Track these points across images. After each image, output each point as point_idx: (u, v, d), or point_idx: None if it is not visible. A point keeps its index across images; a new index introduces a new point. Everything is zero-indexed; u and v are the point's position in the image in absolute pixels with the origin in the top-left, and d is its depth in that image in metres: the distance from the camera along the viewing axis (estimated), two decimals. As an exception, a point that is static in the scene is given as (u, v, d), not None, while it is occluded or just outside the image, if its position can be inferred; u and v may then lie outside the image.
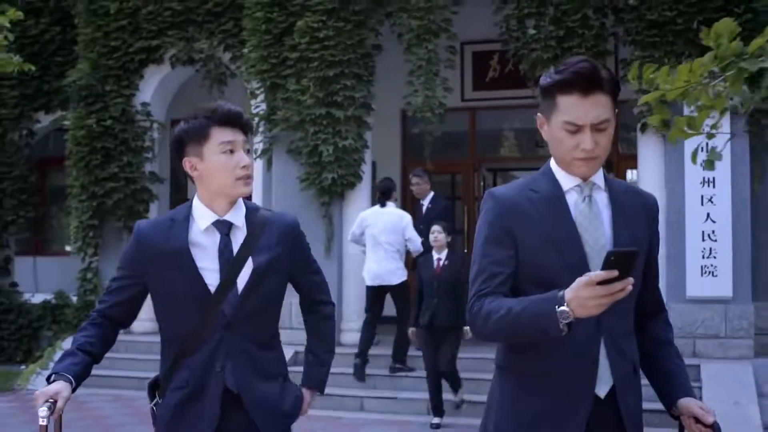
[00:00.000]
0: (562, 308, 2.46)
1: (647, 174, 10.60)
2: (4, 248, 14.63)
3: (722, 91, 5.43)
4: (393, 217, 10.22)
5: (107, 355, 3.41)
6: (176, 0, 12.67)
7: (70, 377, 3.13)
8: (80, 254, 13.17)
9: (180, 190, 14.71)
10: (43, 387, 3.08)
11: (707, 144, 5.62)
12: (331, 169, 11.27)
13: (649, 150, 10.61)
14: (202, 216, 3.25)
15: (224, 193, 3.22)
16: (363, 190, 11.55)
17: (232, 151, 3.19)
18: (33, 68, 9.36)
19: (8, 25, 9.18)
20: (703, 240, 10.17)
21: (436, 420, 9.11)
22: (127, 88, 13.04)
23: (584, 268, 2.65)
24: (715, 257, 10.13)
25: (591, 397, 2.76)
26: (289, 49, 11.48)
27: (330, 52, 11.28)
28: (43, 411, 3.00)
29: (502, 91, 13.86)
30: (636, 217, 2.86)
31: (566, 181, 2.82)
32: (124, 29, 12.94)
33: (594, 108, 2.72)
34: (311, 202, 11.39)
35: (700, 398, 9.09)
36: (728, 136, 8.14)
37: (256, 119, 11.71)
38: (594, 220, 2.79)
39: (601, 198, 2.84)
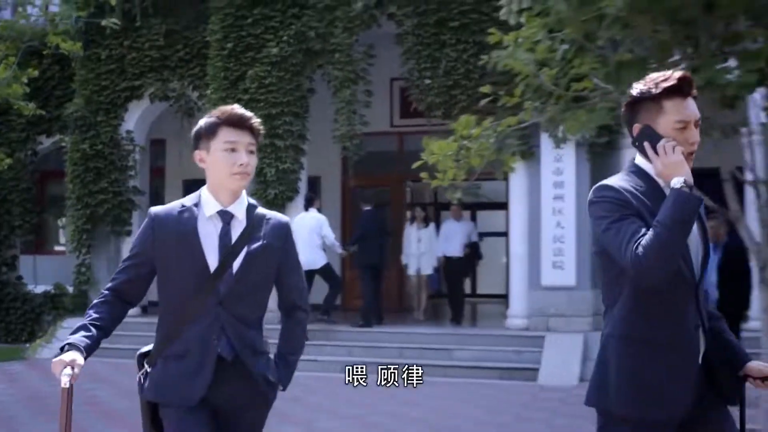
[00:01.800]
0: (676, 184, 3.03)
1: (516, 195, 13.79)
2: (12, 248, 17.66)
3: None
4: (312, 220, 13.59)
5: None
6: (154, 49, 15.74)
7: (83, 348, 3.39)
8: (76, 253, 16.23)
9: (159, 200, 17.81)
10: (56, 356, 3.34)
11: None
12: (274, 186, 14.43)
13: (518, 174, 13.75)
14: (208, 204, 3.58)
15: (222, 185, 3.56)
16: (300, 202, 14.69)
17: (234, 150, 3.52)
18: (43, 112, 12.42)
19: (26, 80, 12.27)
20: (554, 242, 13.32)
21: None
22: (114, 119, 16.12)
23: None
24: (563, 255, 13.30)
25: (698, 363, 3.23)
26: (242, 92, 14.59)
27: (273, 95, 14.41)
28: (66, 376, 3.25)
29: (424, 119, 16.95)
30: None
31: (652, 171, 3.26)
32: (112, 71, 16.02)
33: (693, 107, 3.22)
34: (259, 212, 14.52)
35: (541, 360, 12.29)
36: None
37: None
38: (658, 190, 3.23)
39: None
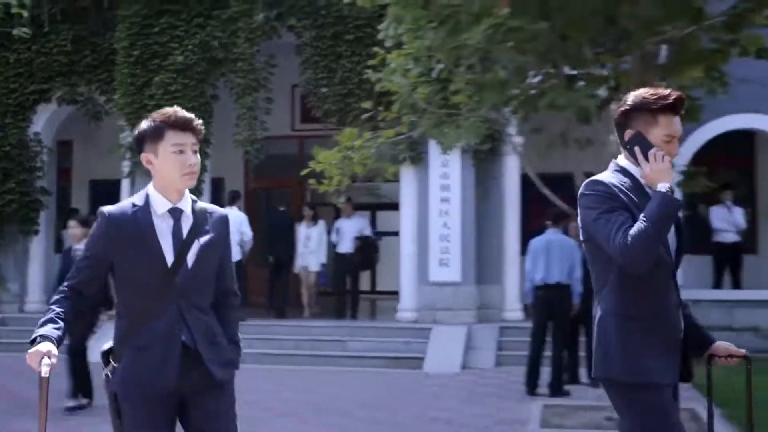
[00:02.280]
0: (662, 188, 3.49)
1: (407, 197, 14.81)
2: None
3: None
4: (235, 217, 14.37)
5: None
6: (63, 54, 16.29)
7: (54, 339, 3.51)
8: (-16, 250, 16.70)
9: (66, 201, 18.37)
10: (29, 349, 3.45)
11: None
12: (179, 188, 15.14)
13: (409, 179, 14.78)
14: (158, 203, 3.71)
15: (172, 185, 3.71)
16: (205, 202, 15.41)
17: (182, 152, 3.67)
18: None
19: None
20: (441, 241, 14.38)
21: None
22: (22, 121, 16.62)
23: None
24: (449, 253, 14.36)
25: (681, 337, 3.67)
26: (148, 98, 15.28)
27: (178, 101, 15.10)
28: (45, 366, 3.38)
29: (323, 124, 17.85)
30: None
31: (641, 177, 3.66)
32: (20, 75, 16.51)
33: (679, 124, 3.63)
34: (164, 212, 15.23)
35: (426, 350, 13.32)
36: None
37: (124, 148, 15.49)
38: (641, 187, 3.67)
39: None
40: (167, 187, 3.73)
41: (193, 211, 3.78)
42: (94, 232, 3.76)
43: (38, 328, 3.55)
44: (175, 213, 3.74)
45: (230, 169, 17.82)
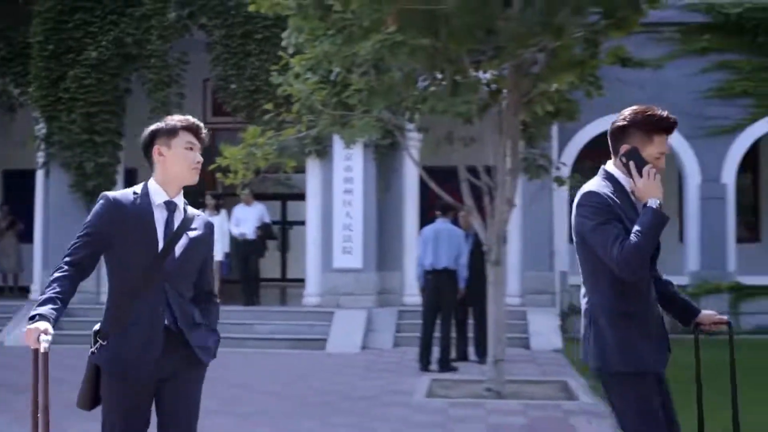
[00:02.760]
0: (653, 204, 3.78)
1: (312, 189, 15.68)
2: None
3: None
4: None
5: None
6: (-24, 46, 16.75)
7: (52, 319, 3.70)
8: None
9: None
10: (28, 325, 3.65)
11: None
12: (93, 179, 15.76)
13: (315, 171, 15.63)
14: (157, 194, 4.05)
15: (180, 177, 4.07)
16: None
17: (191, 149, 4.06)
18: None
19: None
20: (344, 230, 15.29)
21: None
22: (-68, 113, 17.03)
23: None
24: (351, 242, 15.28)
25: (663, 327, 4.00)
26: (63, 91, 15.82)
27: (93, 95, 15.73)
28: (45, 342, 3.60)
29: (233, 117, 18.55)
30: None
31: (625, 181, 3.93)
32: (-68, 66, 16.92)
33: (668, 144, 4.01)
34: (78, 202, 15.82)
35: (329, 332, 14.20)
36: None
37: (38, 140, 16.01)
38: (629, 198, 3.95)
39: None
40: (170, 181, 4.08)
41: (185, 209, 4.13)
42: (97, 212, 4.02)
43: (38, 306, 3.76)
44: (170, 206, 4.06)
45: (143, 160, 18.37)
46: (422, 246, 11.58)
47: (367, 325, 14.50)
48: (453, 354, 12.03)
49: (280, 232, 24.48)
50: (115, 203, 4.01)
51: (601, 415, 8.62)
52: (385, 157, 15.49)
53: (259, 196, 18.96)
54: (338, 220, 15.36)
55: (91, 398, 4.04)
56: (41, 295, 3.83)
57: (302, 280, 16.46)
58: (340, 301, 15.25)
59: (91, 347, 3.97)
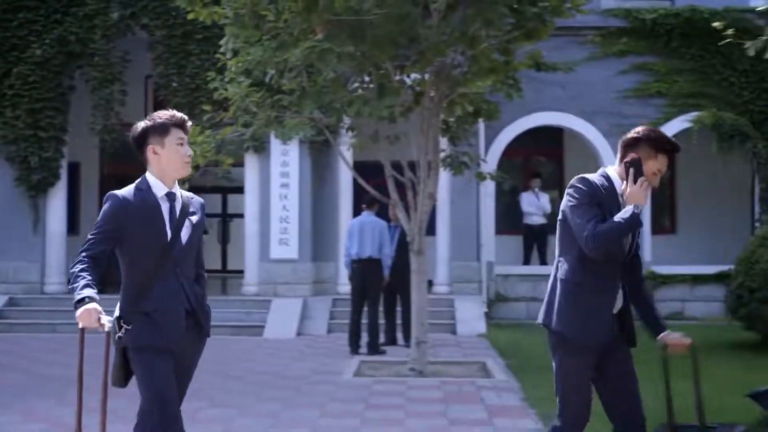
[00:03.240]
0: (636, 209, 4.28)
1: (251, 183, 16.39)
2: None
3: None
4: None
5: None
6: None
7: (98, 300, 4.12)
8: None
9: None
10: (78, 307, 4.06)
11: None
12: (37, 173, 16.29)
13: (253, 166, 16.35)
14: (157, 187, 4.38)
15: (175, 171, 4.41)
16: (61, 187, 16.65)
17: (182, 145, 4.41)
18: None
19: None
20: (281, 222, 16.04)
21: None
22: None
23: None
24: (288, 234, 16.04)
25: (614, 308, 4.53)
26: (7, 87, 16.31)
27: (37, 92, 16.25)
28: (107, 321, 4.10)
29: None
30: None
31: (618, 185, 4.49)
32: None
33: (667, 163, 4.51)
34: (23, 195, 16.36)
35: (266, 320, 14.93)
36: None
37: (-17, 135, 16.49)
38: (616, 195, 4.49)
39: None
40: (166, 175, 4.42)
41: (181, 196, 4.47)
42: (108, 210, 4.37)
43: (79, 290, 4.14)
44: (171, 196, 4.41)
45: (86, 154, 18.92)
46: (348, 237, 12.41)
47: (303, 312, 15.27)
48: (382, 338, 12.83)
49: (220, 225, 25.13)
50: (124, 201, 4.34)
51: (511, 390, 9.49)
52: (320, 153, 16.26)
53: (200, 190, 19.59)
54: (275, 213, 16.10)
55: (124, 376, 4.43)
56: (70, 284, 4.24)
57: (242, 271, 17.14)
58: (277, 290, 15.99)
59: (117, 333, 4.30)
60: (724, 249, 17.08)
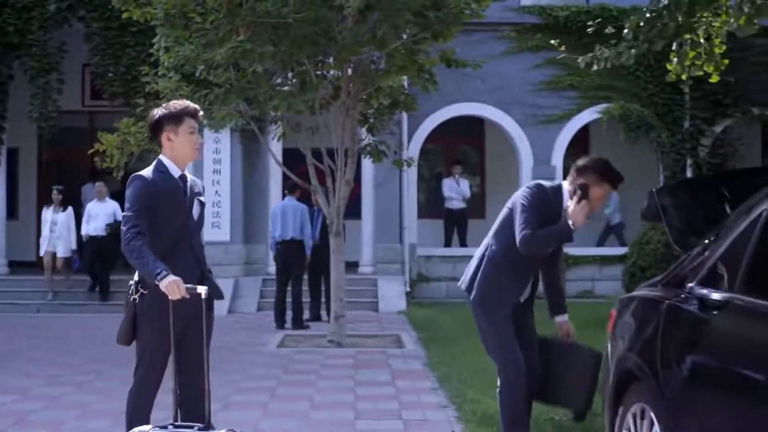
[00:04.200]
0: (572, 225, 5.08)
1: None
2: None
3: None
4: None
5: None
6: None
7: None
8: None
9: None
10: (162, 279, 4.45)
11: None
12: (-23, 159, 16.98)
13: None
14: (173, 170, 4.83)
15: (187, 157, 4.88)
16: (1, 174, 17.35)
17: (193, 133, 4.84)
18: None
19: None
20: (213, 207, 16.89)
21: None
22: None
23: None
24: (220, 217, 16.93)
25: (524, 290, 5.50)
26: (-55, 76, 16.95)
27: (-24, 80, 16.91)
28: (202, 289, 4.60)
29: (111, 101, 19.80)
30: None
31: (565, 199, 5.25)
32: None
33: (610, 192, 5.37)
34: (-37, 180, 17.06)
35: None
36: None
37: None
38: (561, 207, 5.28)
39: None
40: (179, 159, 4.87)
41: (189, 178, 4.95)
42: (138, 189, 4.75)
43: (153, 264, 4.53)
44: (183, 178, 4.89)
45: (25, 140, 19.54)
46: (272, 221, 13.38)
47: (234, 292, 16.18)
48: (307, 315, 13.79)
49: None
50: (151, 181, 4.77)
51: (417, 358, 10.52)
52: (250, 141, 17.07)
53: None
54: (208, 197, 16.80)
55: (131, 336, 4.86)
56: (134, 258, 4.59)
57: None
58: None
59: (132, 296, 4.76)
60: (632, 232, 18.31)
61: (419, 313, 15.31)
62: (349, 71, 11.39)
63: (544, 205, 5.23)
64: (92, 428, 7.08)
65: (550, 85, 18.74)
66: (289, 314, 13.43)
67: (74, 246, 16.28)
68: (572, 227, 5.12)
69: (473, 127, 20.08)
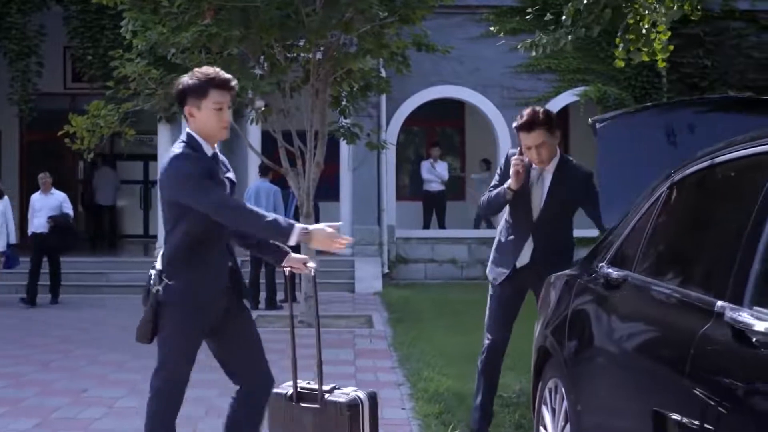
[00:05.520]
0: (506, 187, 5.40)
1: (163, 152, 17.35)
2: None
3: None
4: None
5: None
6: None
7: None
8: None
9: None
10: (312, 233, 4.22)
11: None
12: (-43, 141, 17.09)
13: (165, 135, 17.28)
14: (206, 147, 4.28)
15: (212, 135, 4.26)
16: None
17: (220, 109, 4.18)
18: None
19: None
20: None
21: None
22: None
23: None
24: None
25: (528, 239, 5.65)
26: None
27: (-45, 63, 16.99)
28: (314, 266, 4.81)
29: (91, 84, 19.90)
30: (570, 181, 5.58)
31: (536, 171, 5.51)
32: None
33: (535, 137, 5.33)
34: (-57, 162, 17.16)
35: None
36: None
37: None
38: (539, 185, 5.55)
39: (548, 175, 5.53)
40: (205, 136, 4.28)
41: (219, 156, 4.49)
42: (195, 163, 4.22)
43: (283, 221, 4.20)
44: (216, 157, 4.38)
45: (7, 123, 19.68)
46: (246, 202, 13.45)
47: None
48: (281, 296, 13.94)
49: (141, 191, 25.86)
50: (197, 155, 4.25)
51: (383, 338, 10.70)
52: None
53: (117, 157, 20.45)
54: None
55: (152, 333, 4.39)
56: (263, 220, 4.20)
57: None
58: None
59: (155, 285, 4.29)
60: (607, 214, 18.48)
61: (394, 294, 15.47)
62: (319, 54, 11.52)
63: (504, 170, 5.66)
64: None
65: (528, 67, 18.83)
66: (263, 295, 13.59)
67: (13, 240, 14.20)
68: (508, 188, 5.46)
69: (453, 109, 20.23)
